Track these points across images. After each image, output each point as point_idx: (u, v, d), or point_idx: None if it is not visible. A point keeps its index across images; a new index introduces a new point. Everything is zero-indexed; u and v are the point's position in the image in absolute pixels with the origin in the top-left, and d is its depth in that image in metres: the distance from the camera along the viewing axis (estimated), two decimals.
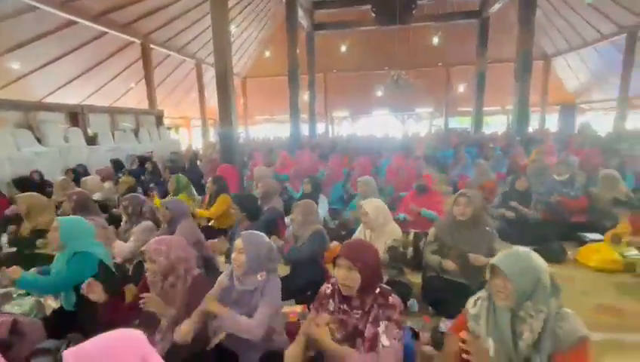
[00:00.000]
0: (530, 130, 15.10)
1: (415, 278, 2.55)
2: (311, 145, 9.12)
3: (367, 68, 17.42)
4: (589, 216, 3.49)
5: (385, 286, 1.40)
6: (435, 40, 14.28)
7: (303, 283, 2.45)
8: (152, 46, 10.43)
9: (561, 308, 1.23)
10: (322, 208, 3.14)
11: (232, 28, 10.93)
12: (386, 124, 21.65)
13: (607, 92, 13.91)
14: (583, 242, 3.23)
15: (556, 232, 3.34)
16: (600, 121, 15.32)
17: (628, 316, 2.20)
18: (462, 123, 19.17)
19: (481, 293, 1.39)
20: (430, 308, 2.30)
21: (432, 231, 2.33)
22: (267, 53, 15.22)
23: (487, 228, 2.14)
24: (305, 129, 13.26)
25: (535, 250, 3.19)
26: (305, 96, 12.84)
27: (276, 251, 1.67)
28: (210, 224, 3.62)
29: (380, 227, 2.27)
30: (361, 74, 18.12)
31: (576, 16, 12.96)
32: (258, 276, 1.53)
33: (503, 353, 1.26)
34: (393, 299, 1.31)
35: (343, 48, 14.85)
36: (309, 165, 5.49)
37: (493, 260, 1.27)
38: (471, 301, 1.43)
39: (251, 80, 19.08)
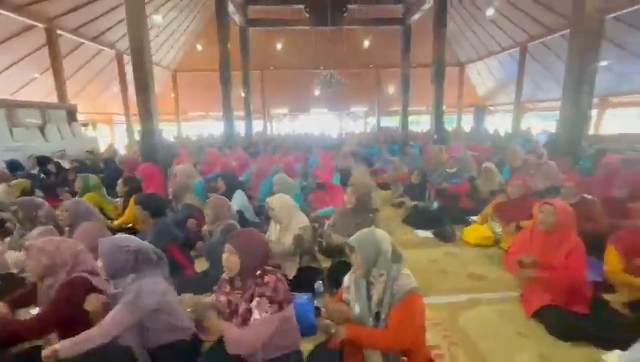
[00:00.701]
0: (450, 129, 16.91)
1: (328, 264, 2.82)
2: (244, 143, 9.05)
3: (304, 66, 17.70)
4: (474, 202, 4.14)
5: (270, 268, 1.58)
6: (366, 43, 15.09)
7: (219, 275, 2.54)
8: (59, 32, 9.29)
9: (401, 271, 1.53)
10: (238, 204, 3.23)
11: (157, 17, 10.28)
12: (324, 122, 22.29)
13: (509, 96, 16.19)
14: (469, 224, 3.83)
15: (449, 217, 3.92)
16: (504, 122, 17.70)
17: (488, 280, 2.73)
18: (395, 122, 20.65)
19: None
20: (335, 289, 2.57)
21: (332, 217, 2.62)
22: (199, 47, 14.55)
23: (370, 214, 2.47)
24: (243, 126, 13.08)
25: (433, 233, 3.68)
26: (242, 93, 12.62)
27: (146, 252, 1.62)
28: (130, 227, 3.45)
29: (286, 220, 2.46)
30: (298, 72, 18.39)
31: (482, 30, 14.86)
32: (128, 278, 1.54)
33: (364, 313, 1.53)
34: (268, 278, 1.50)
35: (279, 46, 14.88)
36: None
37: (349, 239, 1.53)
38: (346, 276, 1.70)
39: (184, 74, 18.05)
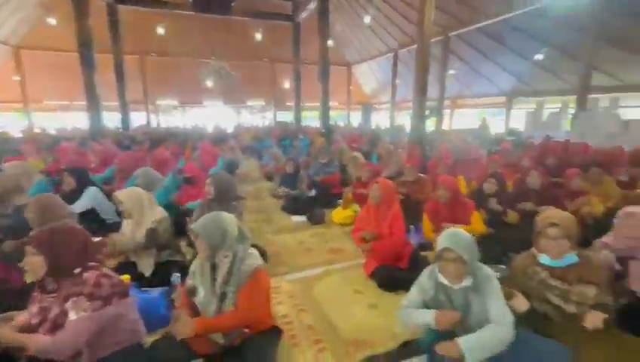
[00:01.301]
0: (342, 124, 18.30)
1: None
2: (117, 136, 7.96)
3: (192, 55, 16.42)
4: (343, 188, 4.66)
5: (94, 264, 1.48)
6: (258, 36, 14.98)
7: None
8: None
9: (247, 250, 1.65)
10: (90, 202, 2.88)
11: None
12: (220, 115, 21.31)
13: (388, 95, 18.46)
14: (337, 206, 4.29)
15: (322, 202, 4.32)
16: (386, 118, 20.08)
17: (344, 253, 3.13)
18: (291, 117, 21.21)
19: None
20: None
21: (194, 210, 2.60)
22: (52, 21, 11.94)
23: (233, 203, 2.56)
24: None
25: (307, 217, 3.91)
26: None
27: None
28: None
29: (137, 214, 2.32)
30: (189, 61, 16.98)
31: (363, 35, 16.51)
32: None
33: (208, 296, 1.60)
34: (89, 275, 1.41)
35: (161, 30, 13.46)
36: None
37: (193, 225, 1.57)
38: (193, 263, 1.73)
39: (34, 54, 14.59)
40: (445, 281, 1.56)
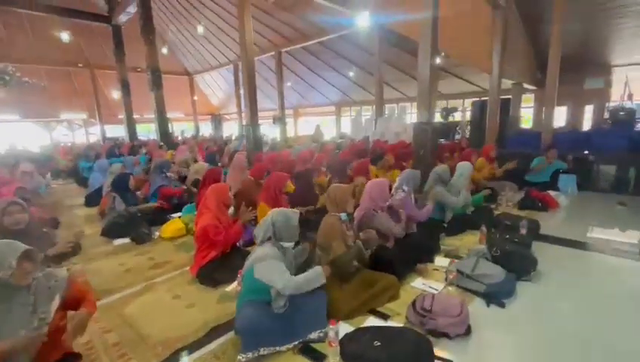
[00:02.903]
0: (192, 135, 17.23)
1: None
2: None
3: None
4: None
5: None
6: (65, 37, 12.43)
7: None
8: None
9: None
10: None
11: None
12: (22, 132, 16.50)
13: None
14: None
15: (150, 219, 4.11)
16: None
17: (169, 265, 3.11)
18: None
19: None
20: None
21: None
22: None
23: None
24: None
25: (130, 238, 3.56)
26: None
27: None
28: None
29: None
30: None
31: (203, 45, 16.15)
32: None
33: None
34: None
35: None
36: None
37: None
38: None
39: None
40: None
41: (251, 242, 3.16)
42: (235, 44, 14.68)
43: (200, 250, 2.73)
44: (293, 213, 2.06)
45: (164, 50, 16.06)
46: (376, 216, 2.78)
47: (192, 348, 1.91)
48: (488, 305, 2.22)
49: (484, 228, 3.21)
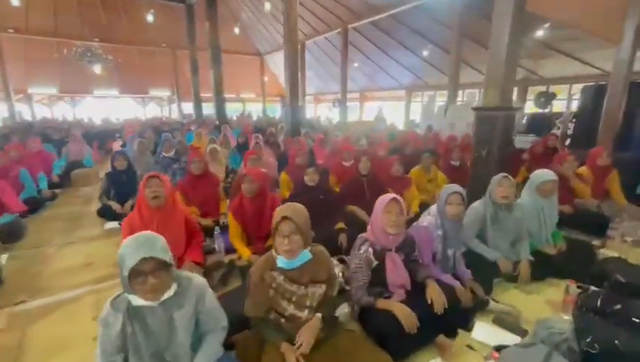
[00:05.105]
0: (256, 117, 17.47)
1: None
2: None
3: (65, 35, 13.90)
4: None
5: None
6: (150, 18, 13.35)
7: None
8: None
9: None
10: None
11: None
12: (120, 107, 18.80)
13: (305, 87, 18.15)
14: None
15: None
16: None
17: None
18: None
19: None
20: None
21: None
22: None
23: None
24: None
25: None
26: None
27: None
28: None
29: None
30: (65, 43, 14.37)
31: (269, 24, 15.94)
32: None
33: None
34: None
35: (15, 2, 11.03)
36: None
37: None
38: None
39: None
40: None
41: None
42: (302, 23, 14.03)
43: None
44: None
45: (237, 30, 16.36)
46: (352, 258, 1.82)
47: None
48: None
49: (573, 287, 1.94)
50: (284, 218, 1.42)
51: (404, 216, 1.83)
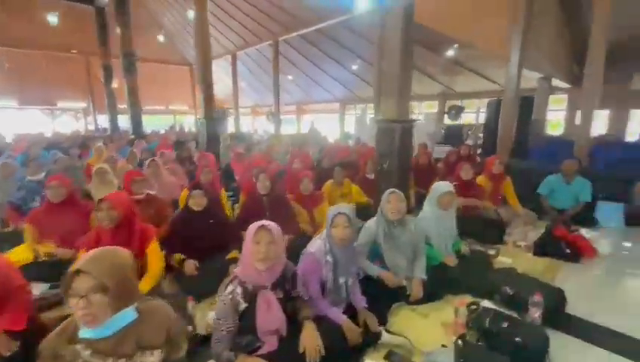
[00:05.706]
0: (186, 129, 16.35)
1: None
2: None
3: None
4: None
5: None
6: (54, 19, 11.78)
7: None
8: None
9: None
10: None
11: None
12: (22, 120, 16.11)
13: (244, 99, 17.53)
14: None
15: None
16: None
17: None
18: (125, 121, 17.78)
19: None
20: None
21: None
22: None
23: None
24: None
25: None
26: None
27: None
28: None
29: None
30: None
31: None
32: None
33: None
34: None
35: None
36: None
37: None
38: None
39: None
40: None
41: None
42: (232, 33, 13.62)
43: None
44: None
45: (161, 38, 15.27)
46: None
47: None
48: None
49: (462, 309, 1.84)
50: (78, 272, 1.03)
51: (281, 244, 1.57)
